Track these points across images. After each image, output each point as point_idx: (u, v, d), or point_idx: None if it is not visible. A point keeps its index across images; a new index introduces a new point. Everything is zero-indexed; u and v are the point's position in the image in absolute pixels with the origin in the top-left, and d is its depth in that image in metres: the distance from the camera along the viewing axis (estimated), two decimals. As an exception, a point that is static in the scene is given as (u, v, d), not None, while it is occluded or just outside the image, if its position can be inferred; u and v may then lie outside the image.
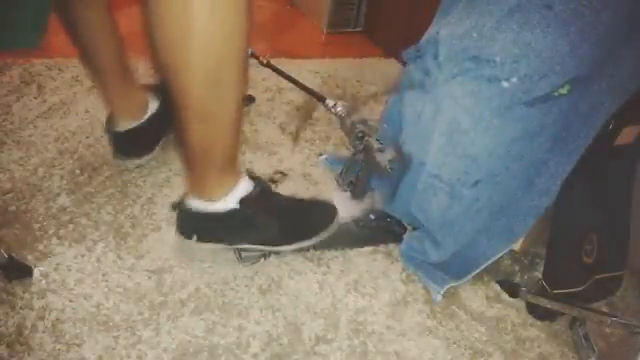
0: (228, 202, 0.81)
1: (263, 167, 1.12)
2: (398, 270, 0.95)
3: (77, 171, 1.02)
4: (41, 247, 0.86)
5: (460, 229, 0.90)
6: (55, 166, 1.02)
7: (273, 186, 0.96)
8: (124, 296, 0.82)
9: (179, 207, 0.85)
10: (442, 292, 0.90)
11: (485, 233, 0.91)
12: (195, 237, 0.84)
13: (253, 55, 1.27)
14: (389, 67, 1.57)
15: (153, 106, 1.02)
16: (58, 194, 0.96)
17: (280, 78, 1.29)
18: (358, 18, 1.77)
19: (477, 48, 0.82)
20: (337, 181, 1.05)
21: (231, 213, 0.81)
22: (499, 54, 0.79)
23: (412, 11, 1.50)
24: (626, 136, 0.88)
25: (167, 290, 0.84)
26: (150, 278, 0.85)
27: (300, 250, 0.92)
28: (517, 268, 1.00)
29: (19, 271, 0.81)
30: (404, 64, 0.98)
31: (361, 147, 0.94)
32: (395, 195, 0.98)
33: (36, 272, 0.82)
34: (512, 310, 0.92)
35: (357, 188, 0.98)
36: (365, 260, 0.96)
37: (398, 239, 0.99)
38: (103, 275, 0.84)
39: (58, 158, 1.04)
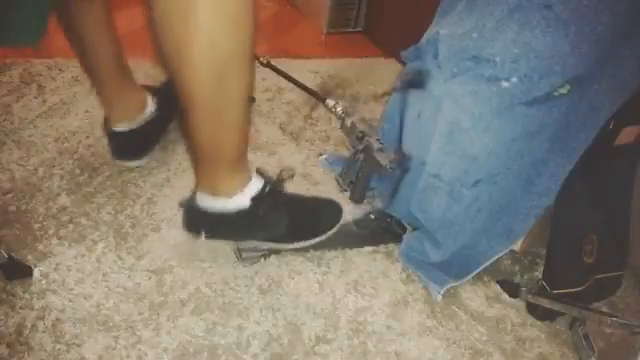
0: (239, 200, 0.81)
1: (263, 167, 1.11)
2: (398, 270, 0.95)
3: (77, 171, 1.02)
4: (41, 247, 0.86)
5: (460, 229, 0.90)
6: (55, 166, 1.02)
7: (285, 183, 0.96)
8: (124, 296, 0.82)
9: (187, 204, 0.85)
10: (442, 292, 0.90)
11: (485, 233, 0.91)
12: (204, 234, 0.84)
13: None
14: (389, 67, 1.57)
15: (151, 108, 1.02)
16: (58, 194, 0.96)
17: (280, 78, 1.29)
18: (358, 18, 1.77)
19: (477, 48, 0.82)
20: (337, 181, 1.05)
21: (241, 211, 0.81)
22: (499, 54, 0.79)
23: (412, 11, 1.50)
24: (626, 136, 0.88)
25: (167, 290, 0.84)
26: (150, 278, 0.85)
27: (302, 249, 0.92)
28: (517, 268, 1.00)
29: (19, 271, 0.81)
30: (404, 64, 0.98)
31: (361, 147, 0.94)
32: (395, 195, 0.98)
33: (36, 272, 0.82)
34: (512, 310, 0.92)
35: (357, 188, 0.98)
36: (365, 260, 0.96)
37: (398, 239, 0.99)
38: (103, 275, 0.84)
39: (58, 158, 1.04)
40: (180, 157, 1.09)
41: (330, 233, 0.90)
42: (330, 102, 1.08)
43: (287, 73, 1.28)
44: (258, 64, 1.27)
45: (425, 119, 0.90)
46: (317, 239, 0.90)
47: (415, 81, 0.90)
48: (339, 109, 1.05)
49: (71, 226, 0.91)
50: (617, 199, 0.94)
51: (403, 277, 0.94)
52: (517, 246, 0.96)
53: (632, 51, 0.80)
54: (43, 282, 0.81)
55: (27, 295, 0.79)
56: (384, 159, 0.91)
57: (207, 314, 0.81)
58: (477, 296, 0.93)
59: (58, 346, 0.74)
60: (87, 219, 0.93)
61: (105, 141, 1.07)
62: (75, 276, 0.83)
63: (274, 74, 1.29)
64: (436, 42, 0.88)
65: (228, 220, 0.82)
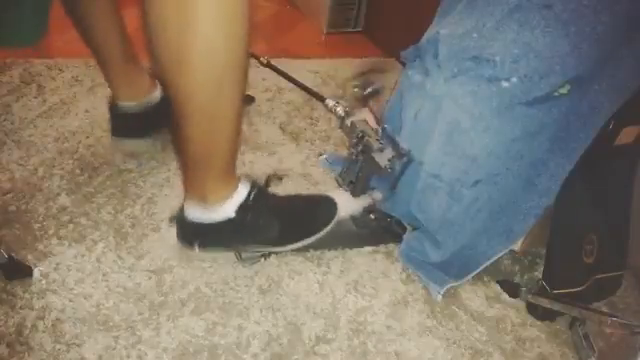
0: (226, 209, 0.80)
1: (263, 167, 1.12)
2: (398, 270, 0.95)
3: (77, 171, 1.02)
4: (41, 247, 0.86)
5: (460, 229, 0.90)
6: (55, 166, 1.02)
7: (271, 187, 0.96)
8: (124, 296, 0.82)
9: (178, 218, 0.85)
10: (442, 292, 0.90)
11: (485, 233, 0.91)
12: (197, 246, 0.84)
13: (253, 55, 1.27)
14: (389, 67, 1.57)
15: (157, 94, 1.02)
16: (58, 194, 0.96)
17: (280, 78, 1.29)
18: (358, 18, 1.77)
19: (477, 48, 0.82)
20: (337, 181, 1.05)
21: (230, 220, 0.81)
22: (499, 54, 0.79)
23: (412, 11, 1.50)
24: (626, 136, 0.88)
25: (167, 290, 0.84)
26: (150, 278, 0.85)
27: (301, 249, 0.92)
28: (517, 268, 1.00)
29: (19, 271, 0.81)
30: (404, 64, 0.98)
31: (361, 147, 0.94)
32: (394, 195, 0.98)
33: (36, 272, 0.82)
34: (512, 310, 0.92)
35: (357, 188, 0.98)
36: (365, 260, 0.96)
37: (398, 239, 0.99)
38: (103, 275, 0.84)
39: (58, 158, 1.04)
40: (180, 157, 1.10)
41: (326, 230, 0.90)
42: (330, 102, 1.08)
43: (287, 73, 1.28)
44: (258, 64, 1.28)
45: (423, 119, 0.90)
46: (312, 238, 0.89)
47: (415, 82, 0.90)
48: (339, 109, 1.05)
49: (71, 226, 0.91)
50: (617, 199, 0.94)
51: (403, 277, 0.94)
52: (517, 246, 0.96)
53: (632, 51, 0.80)
54: (43, 282, 0.81)
55: (27, 295, 0.79)
56: (384, 159, 0.91)
57: (207, 314, 0.81)
58: (477, 296, 0.93)
59: (58, 346, 0.74)
60: (87, 219, 0.93)
61: (105, 141, 1.07)
62: (75, 276, 0.83)
63: (274, 74, 1.29)
64: (436, 42, 0.88)
65: (218, 229, 0.82)
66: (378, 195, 0.98)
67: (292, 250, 0.91)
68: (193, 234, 0.84)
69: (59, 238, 0.89)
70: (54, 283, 0.81)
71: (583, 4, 0.75)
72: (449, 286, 0.91)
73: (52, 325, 0.76)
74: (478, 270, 0.93)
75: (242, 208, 0.81)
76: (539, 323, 0.91)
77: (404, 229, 1.00)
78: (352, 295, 0.89)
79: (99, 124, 1.12)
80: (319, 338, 0.81)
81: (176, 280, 0.85)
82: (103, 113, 1.04)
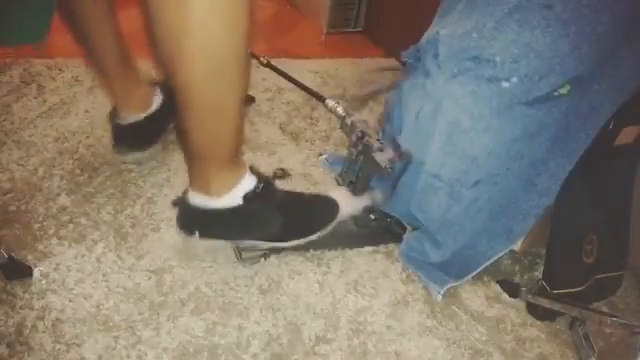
0: (231, 198, 0.80)
1: (263, 167, 1.12)
2: (398, 270, 0.95)
3: (77, 171, 1.02)
4: (41, 247, 0.86)
5: (460, 229, 0.90)
6: (55, 166, 1.02)
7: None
8: (124, 296, 0.82)
9: (180, 204, 0.84)
10: (442, 292, 0.90)
11: (485, 233, 0.91)
12: (197, 234, 0.83)
13: (253, 55, 1.27)
14: (389, 67, 1.57)
15: (157, 101, 1.02)
16: (58, 194, 0.96)
17: (280, 78, 1.29)
18: (358, 18, 1.77)
19: (477, 48, 0.82)
20: (337, 181, 1.05)
21: (234, 209, 0.81)
22: (499, 54, 0.79)
23: (412, 11, 1.50)
24: (626, 136, 0.88)
25: (167, 290, 0.84)
26: (150, 278, 0.85)
27: (301, 248, 0.91)
28: (517, 268, 1.00)
29: (19, 271, 0.81)
30: (404, 64, 0.98)
31: (361, 147, 0.94)
32: (395, 195, 0.98)
33: (36, 272, 0.82)
34: (512, 310, 0.92)
35: (357, 188, 0.98)
36: (365, 260, 0.96)
37: (398, 239, 0.99)
38: (103, 275, 0.84)
39: (58, 158, 1.04)
40: (180, 157, 1.09)
41: (326, 230, 0.90)
42: (330, 102, 1.08)
43: (287, 73, 1.28)
44: (258, 64, 1.28)
45: (424, 119, 0.90)
46: (313, 236, 0.89)
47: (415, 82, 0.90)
48: (339, 109, 1.05)
49: (71, 226, 0.91)
50: (617, 199, 0.94)
51: (403, 277, 0.94)
52: (517, 246, 0.96)
53: (632, 51, 0.80)
54: (43, 282, 0.81)
55: (27, 295, 0.79)
56: (384, 159, 0.91)
57: (207, 314, 0.81)
58: (477, 296, 0.93)
59: (58, 346, 0.74)
60: (87, 219, 0.93)
61: (105, 141, 1.07)
62: (75, 276, 0.83)
63: (274, 74, 1.29)
64: (436, 42, 0.88)
65: (221, 219, 0.82)
66: (378, 195, 0.98)
67: (292, 248, 0.91)
68: (195, 220, 0.84)
69: (59, 238, 0.89)
70: (54, 283, 0.81)
71: (583, 4, 0.75)
72: (449, 286, 0.91)
73: (52, 325, 0.76)
74: (478, 270, 0.93)
75: (247, 198, 0.81)
76: (539, 323, 0.91)
77: (404, 229, 1.00)
78: (352, 295, 0.89)
79: (99, 124, 1.12)
80: (319, 338, 0.81)
81: (176, 280, 0.85)
82: (103, 113, 1.04)
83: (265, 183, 0.83)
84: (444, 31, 0.87)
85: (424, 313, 0.88)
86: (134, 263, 0.87)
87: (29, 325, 0.75)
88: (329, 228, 0.90)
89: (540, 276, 0.96)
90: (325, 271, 0.92)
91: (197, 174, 0.80)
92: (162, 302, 0.82)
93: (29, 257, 0.84)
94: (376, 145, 0.92)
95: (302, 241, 0.89)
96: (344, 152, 1.17)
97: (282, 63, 1.32)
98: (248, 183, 0.82)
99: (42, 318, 0.77)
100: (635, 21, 0.78)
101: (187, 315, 0.81)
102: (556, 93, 0.79)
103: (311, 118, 1.29)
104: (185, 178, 1.03)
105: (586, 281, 0.91)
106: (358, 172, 0.97)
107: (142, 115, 1.00)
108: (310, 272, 0.91)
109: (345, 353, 0.80)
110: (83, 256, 0.86)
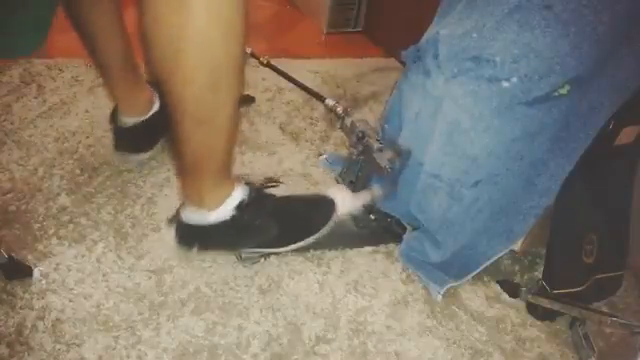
0: (224, 211, 0.80)
1: (263, 167, 1.12)
2: (398, 270, 0.95)
3: (77, 171, 1.02)
4: (41, 247, 0.86)
5: (460, 229, 0.90)
6: (55, 166, 1.02)
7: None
8: (124, 296, 0.82)
9: (175, 221, 0.84)
10: (442, 292, 0.90)
11: (485, 233, 0.91)
12: (196, 248, 0.84)
13: (253, 55, 1.27)
14: (389, 67, 1.57)
15: (157, 105, 1.02)
16: (58, 194, 0.96)
17: (280, 78, 1.29)
18: (358, 18, 1.77)
19: (477, 48, 0.82)
20: (337, 181, 1.05)
21: (229, 221, 0.81)
22: (499, 54, 0.79)
23: (412, 11, 1.50)
24: (626, 136, 0.88)
25: (167, 290, 0.84)
26: (150, 278, 0.85)
27: (301, 249, 0.92)
28: (517, 268, 1.00)
29: (19, 271, 0.81)
30: (404, 64, 0.98)
31: (361, 147, 0.94)
32: (394, 195, 0.98)
33: (36, 272, 0.82)
34: (512, 310, 0.92)
35: (357, 188, 0.98)
36: (365, 260, 0.96)
37: (398, 239, 0.99)
38: (103, 275, 0.84)
39: (58, 158, 1.04)
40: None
41: (324, 231, 0.90)
42: (330, 102, 1.08)
43: (287, 73, 1.28)
44: (258, 64, 1.28)
45: (423, 119, 0.90)
46: (311, 238, 0.89)
47: (415, 82, 0.90)
48: (339, 109, 1.05)
49: (71, 226, 0.91)
50: (617, 199, 0.94)
51: (403, 277, 0.94)
52: (517, 246, 0.96)
53: (632, 51, 0.80)
54: (43, 282, 0.81)
55: (27, 295, 0.79)
56: (384, 159, 0.91)
57: (207, 314, 0.81)
58: (477, 296, 0.93)
59: (58, 346, 0.74)
60: (87, 219, 0.93)
61: (105, 141, 1.07)
62: (75, 276, 0.83)
63: (274, 74, 1.29)
64: (436, 42, 0.88)
65: (217, 231, 0.82)
66: (378, 190, 0.98)
67: (292, 250, 0.91)
68: (192, 236, 0.84)
69: (59, 238, 0.89)
70: (54, 283, 0.81)
71: (583, 4, 0.75)
72: (449, 286, 0.91)
73: (52, 325, 0.76)
74: (478, 270, 0.93)
75: (239, 209, 0.81)
76: (539, 323, 0.91)
77: (404, 229, 1.00)
78: (352, 295, 0.89)
79: (99, 124, 1.12)
80: (319, 338, 0.81)
81: (176, 280, 0.85)
82: (103, 113, 1.04)
83: (256, 192, 0.84)
84: (444, 31, 0.87)
85: (424, 313, 0.88)
86: (134, 263, 0.87)
87: (29, 325, 0.76)
88: (327, 228, 0.90)
89: (540, 276, 0.96)
90: (325, 271, 0.92)
91: (190, 188, 0.80)
92: (162, 302, 0.82)
93: (29, 257, 0.84)
94: (376, 145, 0.92)
95: (301, 244, 0.89)
96: (344, 152, 1.17)
97: (282, 63, 1.32)
98: (240, 193, 0.82)
99: (42, 318, 0.77)
100: (635, 21, 0.78)
101: (187, 315, 0.81)
102: (556, 93, 0.78)
103: (311, 118, 1.29)
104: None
105: (586, 281, 0.91)
106: (358, 172, 0.97)
107: (143, 117, 1.00)
108: (310, 272, 0.91)
109: (345, 353, 0.80)
110: (83, 256, 0.86)
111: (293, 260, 0.92)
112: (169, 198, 0.99)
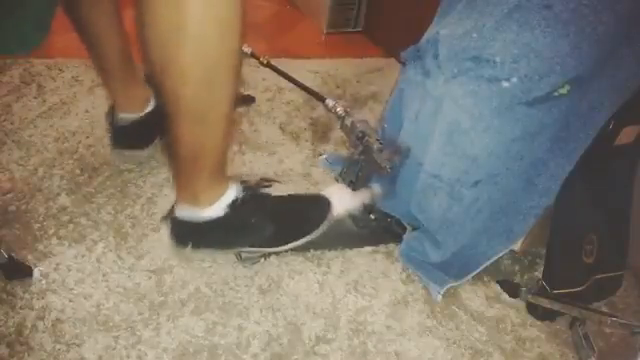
0: (218, 208, 0.80)
1: (263, 167, 1.12)
2: (398, 270, 0.95)
3: (77, 171, 1.02)
4: (41, 247, 0.86)
5: (460, 229, 0.90)
6: (55, 166, 1.02)
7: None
8: (124, 296, 0.82)
9: (169, 218, 0.84)
10: (442, 292, 0.90)
11: (485, 233, 0.91)
12: (190, 245, 0.84)
13: (253, 55, 1.27)
14: (389, 67, 1.57)
15: (153, 103, 1.02)
16: (58, 194, 0.96)
17: (280, 78, 1.29)
18: (358, 18, 1.77)
19: (477, 48, 0.82)
20: (337, 181, 1.05)
21: (222, 219, 0.81)
22: (499, 54, 0.79)
23: (412, 11, 1.50)
24: (626, 136, 0.88)
25: (167, 290, 0.84)
26: (150, 278, 0.85)
27: (301, 249, 0.91)
28: (517, 268, 1.00)
29: (19, 271, 0.81)
30: (404, 64, 0.98)
31: (361, 147, 0.94)
32: (394, 195, 0.98)
33: (36, 272, 0.82)
34: (512, 310, 0.92)
35: (357, 188, 0.98)
36: (365, 260, 0.96)
37: (398, 239, 0.99)
38: (103, 275, 0.84)
39: (58, 158, 1.04)
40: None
41: (320, 230, 0.90)
42: (330, 102, 1.08)
43: (287, 73, 1.28)
44: (258, 64, 1.28)
45: (424, 119, 0.90)
46: (307, 237, 0.89)
47: (415, 82, 0.90)
48: (339, 109, 1.05)
49: (71, 226, 0.91)
50: (617, 199, 0.94)
51: (403, 277, 0.94)
52: (517, 246, 0.96)
53: (632, 51, 0.80)
54: (43, 282, 0.81)
55: (27, 295, 0.79)
56: (384, 159, 0.91)
57: (207, 314, 0.81)
58: (477, 296, 0.93)
59: (58, 346, 0.74)
60: (87, 219, 0.93)
61: (105, 141, 1.07)
62: (75, 276, 0.83)
63: (274, 74, 1.29)
64: (436, 42, 0.88)
65: (211, 229, 0.82)
66: (377, 188, 0.98)
67: (290, 250, 0.91)
68: (186, 234, 0.84)
69: (59, 238, 0.89)
70: (54, 283, 0.81)
71: (583, 4, 0.75)
72: (449, 286, 0.91)
73: (52, 325, 0.76)
74: (478, 270, 0.93)
75: (232, 208, 0.81)
76: (539, 323, 0.91)
77: (404, 229, 1.00)
78: (352, 295, 0.89)
79: (99, 124, 1.12)
80: (319, 338, 0.81)
81: (176, 280, 0.85)
82: (103, 113, 1.04)
83: (251, 191, 0.84)
84: (444, 31, 0.87)
85: (424, 313, 0.88)
86: (134, 263, 0.87)
87: (29, 325, 0.76)
88: (323, 228, 0.90)
89: (540, 276, 0.96)
90: (325, 271, 0.92)
91: (185, 186, 0.80)
92: (162, 302, 0.82)
93: (29, 257, 0.84)
94: (376, 145, 0.92)
95: (296, 244, 0.89)
96: (344, 152, 1.17)
97: (282, 63, 1.32)
98: (234, 192, 0.82)
99: (42, 318, 0.77)
100: (635, 21, 0.78)
101: (187, 315, 0.81)
102: (556, 93, 0.78)
103: (311, 118, 1.29)
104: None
105: (586, 281, 0.91)
106: (358, 172, 0.97)
107: (140, 114, 1.00)
108: (310, 272, 0.91)
109: (345, 353, 0.80)
110: (83, 256, 0.86)
111: (293, 260, 0.92)
112: (169, 198, 0.99)
